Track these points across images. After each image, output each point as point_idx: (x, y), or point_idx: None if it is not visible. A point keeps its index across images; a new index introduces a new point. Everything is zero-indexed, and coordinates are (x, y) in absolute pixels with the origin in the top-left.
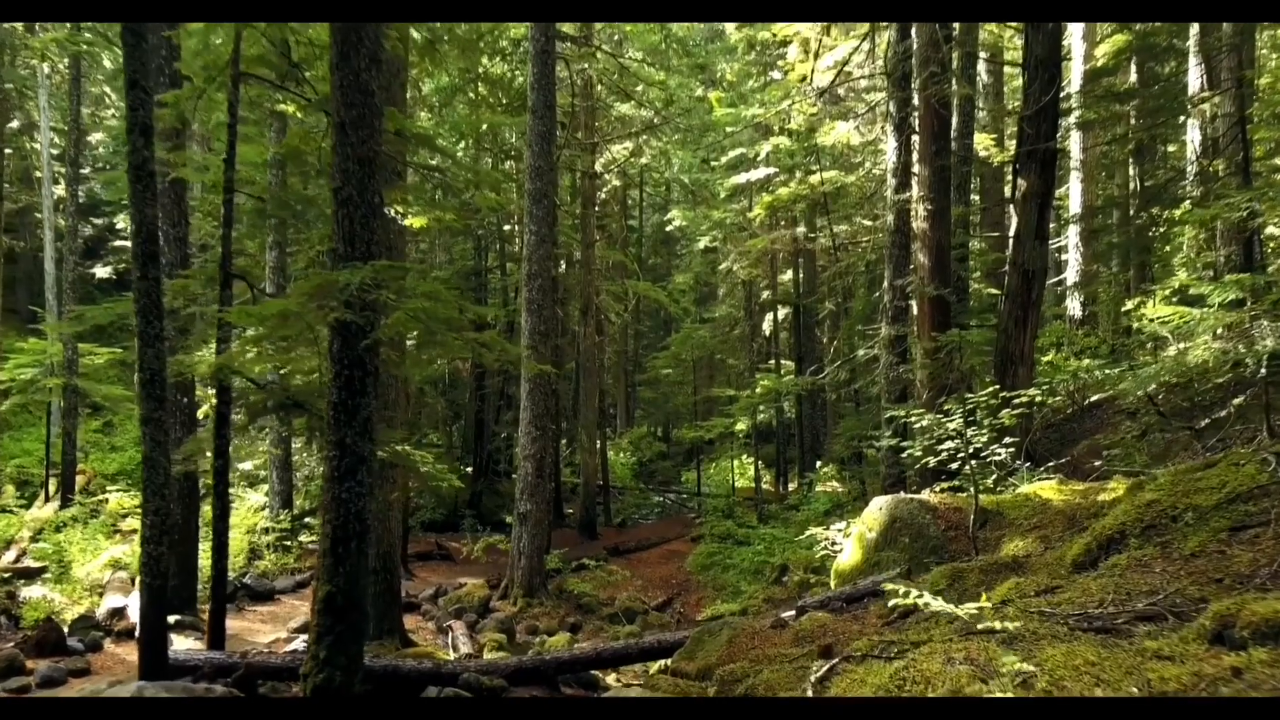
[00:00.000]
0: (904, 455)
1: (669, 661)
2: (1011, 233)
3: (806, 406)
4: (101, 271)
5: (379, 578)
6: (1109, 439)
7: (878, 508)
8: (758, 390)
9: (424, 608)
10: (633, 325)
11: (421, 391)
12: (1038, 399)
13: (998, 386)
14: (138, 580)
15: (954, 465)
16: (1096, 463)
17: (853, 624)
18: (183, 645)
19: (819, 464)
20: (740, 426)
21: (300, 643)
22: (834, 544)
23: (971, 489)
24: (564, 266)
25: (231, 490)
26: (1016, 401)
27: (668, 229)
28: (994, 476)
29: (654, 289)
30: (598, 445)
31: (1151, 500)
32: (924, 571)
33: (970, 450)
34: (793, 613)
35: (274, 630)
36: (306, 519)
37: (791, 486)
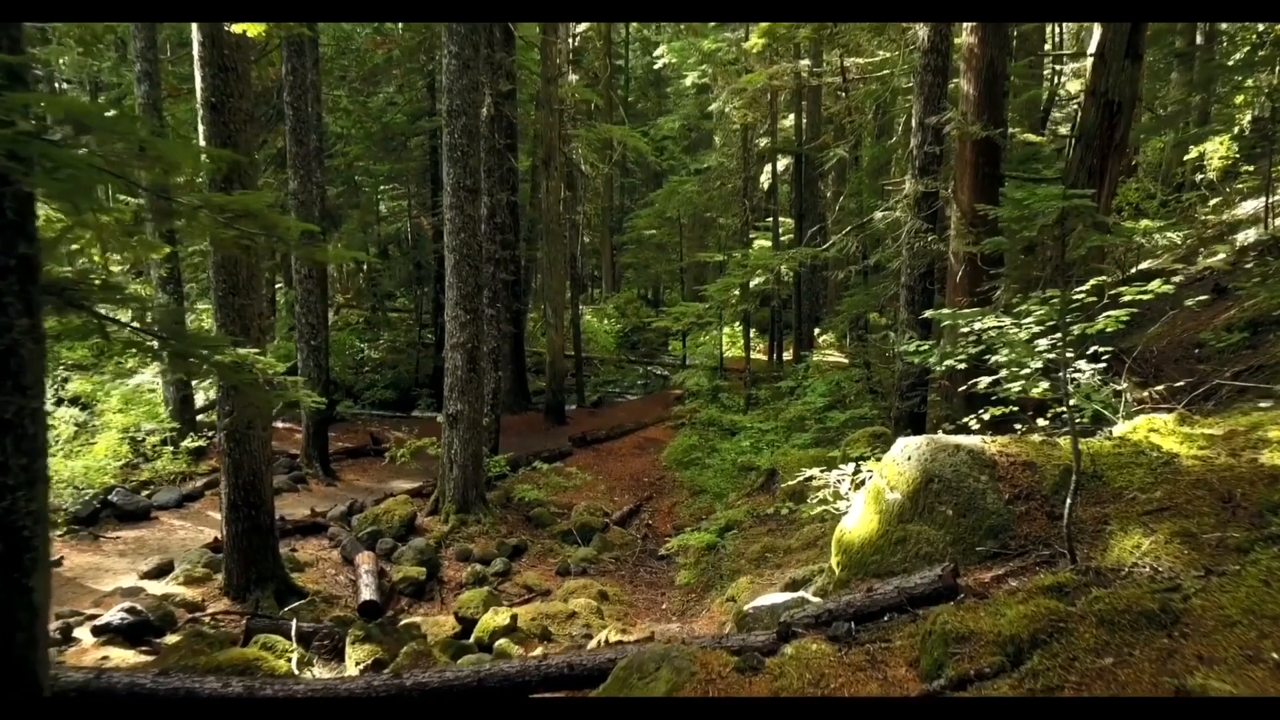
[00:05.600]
0: (939, 366)
1: None
2: (1090, 50)
3: (805, 270)
4: None
5: (242, 514)
6: (1201, 331)
7: (905, 456)
8: (751, 255)
9: (331, 530)
10: (619, 178)
11: (384, 253)
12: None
13: (1105, 278)
14: None
15: (1014, 386)
16: (1199, 368)
17: (869, 677)
18: None
19: (817, 331)
20: (735, 292)
21: (117, 613)
22: (838, 495)
23: (1068, 437)
24: (535, 110)
25: (114, 381)
26: (1126, 298)
27: (656, 67)
28: (1070, 403)
29: (633, 134)
30: (566, 319)
31: None
32: (978, 567)
33: (1069, 374)
34: (773, 632)
35: (129, 568)
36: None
37: (786, 355)
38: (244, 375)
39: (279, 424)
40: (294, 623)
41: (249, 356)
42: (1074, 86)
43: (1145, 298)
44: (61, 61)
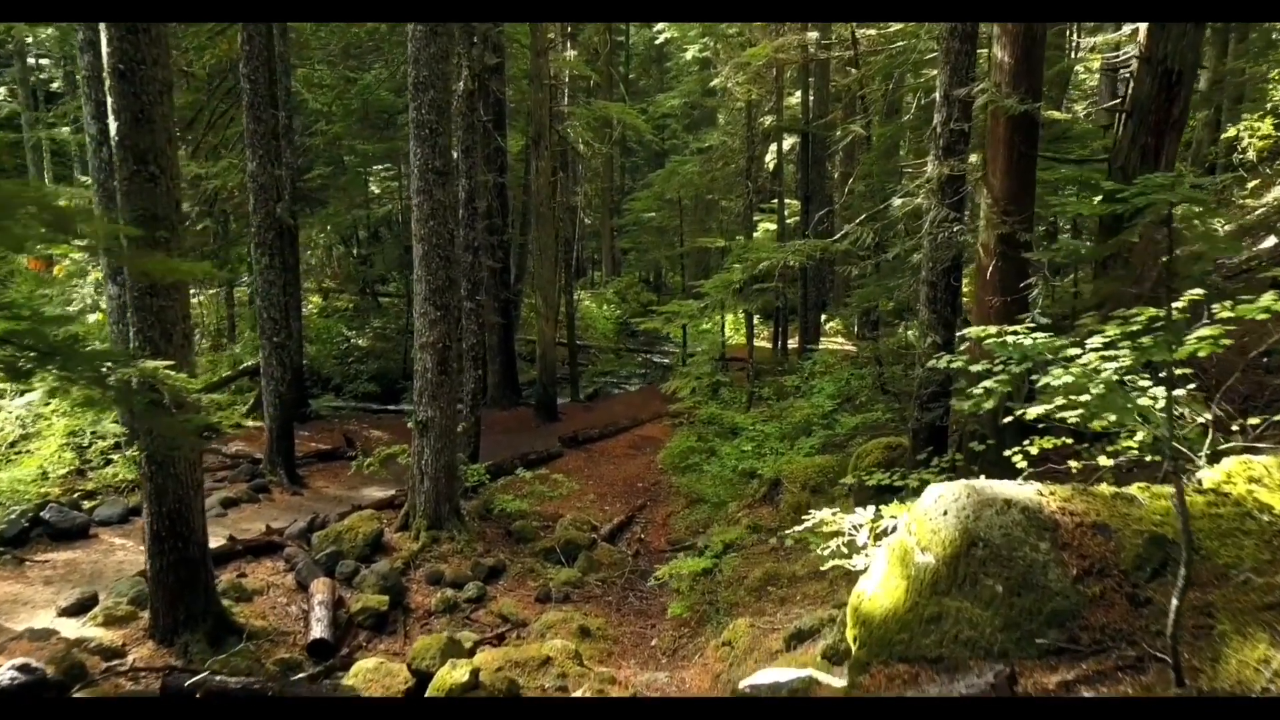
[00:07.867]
0: (988, 404)
1: None
2: None
3: (812, 259)
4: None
5: (167, 546)
6: (1272, 338)
7: (940, 510)
8: (753, 245)
9: (288, 550)
10: (620, 158)
11: (375, 235)
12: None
13: (1200, 291)
14: None
15: (1071, 418)
16: (1270, 381)
17: None
18: None
19: (824, 318)
20: (737, 277)
21: (8, 671)
22: (854, 547)
23: (1141, 487)
24: (528, 86)
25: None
26: (1221, 315)
27: (658, 42)
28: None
29: (630, 111)
30: (560, 309)
31: None
32: (1039, 665)
33: (1163, 411)
34: None
35: (51, 599)
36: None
37: (792, 344)
38: (141, 398)
39: (247, 422)
40: (209, 682)
41: (158, 370)
42: (1094, 61)
43: (1262, 317)
44: (40, 36)
